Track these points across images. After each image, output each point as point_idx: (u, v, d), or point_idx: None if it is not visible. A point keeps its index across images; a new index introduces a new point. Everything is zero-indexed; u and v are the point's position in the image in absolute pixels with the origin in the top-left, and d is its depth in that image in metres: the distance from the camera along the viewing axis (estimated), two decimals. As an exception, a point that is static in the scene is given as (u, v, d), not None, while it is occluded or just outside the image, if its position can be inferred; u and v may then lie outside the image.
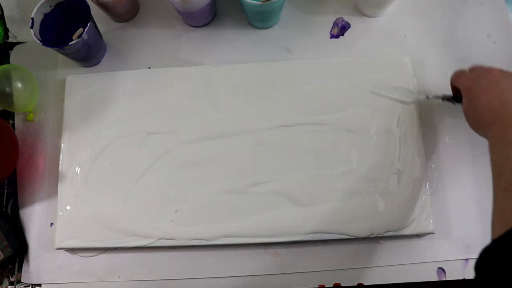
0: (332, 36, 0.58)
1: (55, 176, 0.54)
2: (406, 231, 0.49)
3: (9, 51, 0.61)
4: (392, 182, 0.50)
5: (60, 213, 0.52)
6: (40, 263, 0.53)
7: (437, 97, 0.52)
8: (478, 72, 0.45)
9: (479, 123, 0.44)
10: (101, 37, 0.57)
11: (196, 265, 0.52)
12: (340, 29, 0.58)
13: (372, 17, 0.58)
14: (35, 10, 0.52)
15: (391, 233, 0.49)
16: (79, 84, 0.56)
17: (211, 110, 0.54)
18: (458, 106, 0.50)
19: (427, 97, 0.52)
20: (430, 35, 0.57)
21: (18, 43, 0.61)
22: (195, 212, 0.51)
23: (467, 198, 0.52)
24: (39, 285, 0.53)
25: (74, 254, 0.53)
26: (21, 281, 0.53)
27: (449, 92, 0.52)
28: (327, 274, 0.51)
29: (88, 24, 0.51)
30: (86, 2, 0.52)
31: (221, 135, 0.53)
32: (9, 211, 0.56)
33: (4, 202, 0.56)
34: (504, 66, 0.55)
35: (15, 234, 0.53)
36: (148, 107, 0.55)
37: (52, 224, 0.54)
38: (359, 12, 0.59)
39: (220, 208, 0.51)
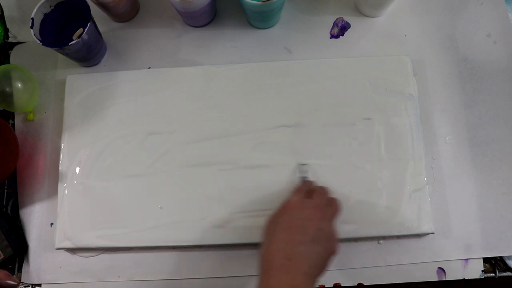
0: (332, 36, 0.58)
1: (55, 176, 0.54)
2: (406, 231, 0.49)
3: (9, 51, 0.61)
4: (392, 181, 0.50)
5: (60, 213, 0.52)
6: (40, 263, 0.53)
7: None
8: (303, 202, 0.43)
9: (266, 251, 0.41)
10: (101, 37, 0.57)
11: (196, 265, 0.52)
12: (340, 29, 0.58)
13: (372, 17, 0.58)
14: (35, 10, 0.52)
15: (391, 233, 0.49)
16: (79, 84, 0.56)
17: (211, 110, 0.54)
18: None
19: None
20: (430, 35, 0.57)
21: (18, 43, 0.61)
22: (194, 212, 0.51)
23: (467, 198, 0.52)
24: (39, 285, 0.53)
25: (74, 254, 0.53)
26: (21, 281, 0.53)
27: None
28: (327, 274, 0.51)
29: (88, 24, 0.51)
30: (86, 2, 0.52)
31: (221, 135, 0.53)
32: (9, 211, 0.56)
33: (4, 202, 0.56)
34: (504, 66, 0.56)
35: (15, 234, 0.53)
36: (148, 107, 0.55)
37: (52, 224, 0.54)
38: (359, 12, 0.59)
39: (220, 208, 0.51)
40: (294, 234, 0.40)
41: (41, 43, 0.51)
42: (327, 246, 0.41)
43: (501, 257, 0.51)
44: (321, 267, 0.40)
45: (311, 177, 0.50)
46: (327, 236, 0.41)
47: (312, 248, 0.40)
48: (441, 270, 0.51)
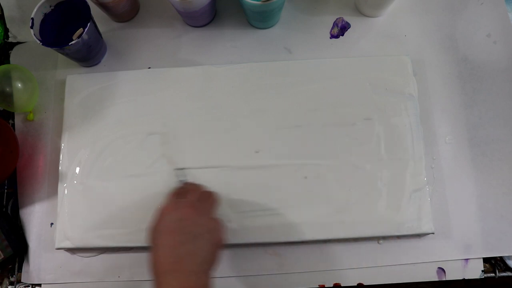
0: (332, 36, 0.58)
1: (55, 176, 0.54)
2: (406, 231, 0.49)
3: (9, 51, 0.61)
4: (392, 181, 0.50)
5: (60, 213, 0.52)
6: (40, 263, 0.53)
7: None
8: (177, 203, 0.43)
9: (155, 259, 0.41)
10: (101, 37, 0.57)
11: (196, 265, 0.52)
12: (340, 29, 0.58)
13: (372, 17, 0.58)
14: (35, 10, 0.52)
15: (391, 233, 0.49)
16: (79, 84, 0.56)
17: (211, 110, 0.54)
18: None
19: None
20: (430, 35, 0.57)
21: (18, 43, 0.61)
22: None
23: (467, 198, 0.52)
24: (39, 285, 0.53)
25: (74, 254, 0.53)
26: (21, 281, 0.53)
27: None
28: (327, 274, 0.51)
29: (88, 24, 0.51)
30: (86, 2, 0.52)
31: (221, 135, 0.53)
32: (9, 211, 0.56)
33: (4, 202, 0.56)
34: (504, 66, 0.56)
35: (15, 234, 0.53)
36: (148, 107, 0.55)
37: (52, 224, 0.54)
38: (359, 12, 0.59)
39: (221, 208, 0.51)
40: (174, 236, 0.40)
41: (41, 43, 0.51)
42: (211, 239, 0.41)
43: (501, 257, 0.51)
44: (211, 261, 0.41)
45: (189, 180, 0.50)
46: (208, 229, 0.41)
47: (196, 245, 0.40)
48: (441, 270, 0.51)
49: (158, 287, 0.38)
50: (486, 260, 0.51)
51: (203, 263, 0.40)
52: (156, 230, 0.41)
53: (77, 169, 0.53)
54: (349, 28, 0.58)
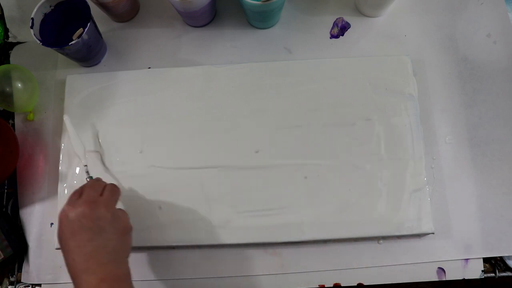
0: (332, 36, 0.58)
1: (55, 176, 0.54)
2: (406, 231, 0.49)
3: (9, 51, 0.61)
4: (392, 181, 0.50)
5: (60, 213, 0.52)
6: (40, 263, 0.53)
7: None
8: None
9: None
10: (101, 37, 0.57)
11: (196, 265, 0.52)
12: (340, 29, 0.58)
13: (372, 17, 0.58)
14: (35, 10, 0.52)
15: (391, 233, 0.49)
16: (79, 84, 0.56)
17: (211, 110, 0.54)
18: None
19: None
20: (430, 35, 0.57)
21: (18, 43, 0.61)
22: (194, 212, 0.51)
23: (467, 198, 0.52)
24: (39, 285, 0.53)
25: (74, 254, 0.53)
26: (21, 281, 0.53)
27: None
28: (327, 274, 0.51)
29: (88, 24, 0.51)
30: (86, 2, 0.52)
31: (221, 135, 0.53)
32: (9, 211, 0.56)
33: (4, 202, 0.56)
34: (504, 66, 0.56)
35: (15, 234, 0.53)
36: (148, 107, 0.55)
37: (52, 224, 0.54)
38: (359, 12, 0.59)
39: (220, 208, 0.51)
40: (78, 236, 0.40)
41: (41, 43, 0.51)
42: (115, 228, 0.42)
43: (501, 257, 0.51)
44: (123, 248, 0.42)
45: (94, 177, 0.50)
46: (109, 220, 0.42)
47: (102, 238, 0.40)
48: (441, 270, 0.51)
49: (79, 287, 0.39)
50: (486, 260, 0.51)
51: (114, 252, 0.41)
52: (61, 236, 0.42)
53: (77, 169, 0.53)
54: (349, 28, 0.58)
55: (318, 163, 0.51)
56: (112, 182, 0.48)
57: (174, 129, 0.54)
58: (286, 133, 0.53)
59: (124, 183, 0.52)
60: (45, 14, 0.53)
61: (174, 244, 0.51)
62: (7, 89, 0.54)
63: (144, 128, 0.54)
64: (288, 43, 0.58)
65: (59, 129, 0.56)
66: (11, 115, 0.59)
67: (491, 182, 0.53)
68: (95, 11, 0.55)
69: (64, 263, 0.53)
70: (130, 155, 0.53)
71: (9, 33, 0.62)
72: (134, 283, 0.52)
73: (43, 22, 0.53)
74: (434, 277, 0.51)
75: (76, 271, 0.39)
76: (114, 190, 0.45)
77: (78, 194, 0.44)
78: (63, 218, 0.42)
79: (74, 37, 0.53)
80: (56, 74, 0.59)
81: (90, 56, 0.56)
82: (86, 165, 0.50)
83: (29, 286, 0.54)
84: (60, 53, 0.53)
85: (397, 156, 0.51)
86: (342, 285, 0.51)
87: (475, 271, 0.51)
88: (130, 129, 0.54)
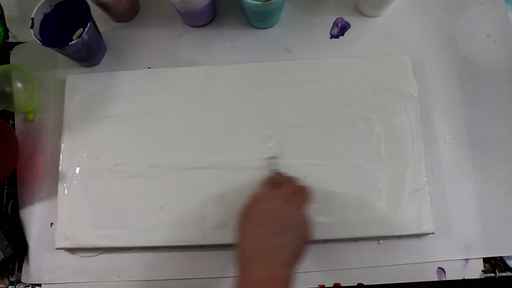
0: (332, 36, 0.58)
1: (55, 176, 0.54)
2: (406, 231, 0.49)
3: (9, 51, 0.61)
4: (392, 181, 0.50)
5: (60, 213, 0.52)
6: (40, 263, 0.53)
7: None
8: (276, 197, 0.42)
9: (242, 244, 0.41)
10: (101, 37, 0.57)
11: (196, 265, 0.52)
12: (340, 29, 0.58)
13: (372, 17, 0.58)
14: (35, 10, 0.52)
15: (391, 233, 0.49)
16: (79, 84, 0.56)
17: (211, 110, 0.54)
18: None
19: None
20: (430, 35, 0.57)
21: (18, 43, 0.61)
22: (194, 212, 0.51)
23: (467, 198, 0.52)
24: (39, 285, 0.53)
25: (74, 254, 0.53)
26: (21, 281, 0.53)
27: None
28: (327, 274, 0.51)
29: (88, 24, 0.51)
30: (86, 2, 0.52)
31: (221, 135, 0.53)
32: (9, 211, 0.56)
33: (4, 202, 0.56)
34: (504, 66, 0.56)
35: (15, 234, 0.53)
36: (148, 107, 0.55)
37: (52, 224, 0.54)
38: (359, 12, 0.59)
39: (221, 209, 0.51)
40: (265, 226, 0.40)
41: (41, 43, 0.51)
42: (300, 234, 0.41)
43: (501, 257, 0.51)
44: (297, 255, 0.41)
45: (282, 169, 0.50)
46: (298, 224, 0.41)
47: (285, 238, 0.40)
48: (441, 270, 0.51)
49: (244, 273, 0.38)
50: (486, 260, 0.51)
51: (289, 256, 0.40)
52: (246, 217, 0.41)
53: (77, 169, 0.53)
54: (349, 28, 0.58)
55: (318, 163, 0.51)
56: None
57: (174, 129, 0.54)
58: (286, 133, 0.53)
59: (124, 183, 0.52)
60: (45, 14, 0.53)
61: (174, 244, 0.51)
62: (7, 89, 0.54)
63: (144, 128, 0.54)
64: (288, 43, 0.58)
65: (59, 129, 0.56)
66: (11, 115, 0.59)
67: (491, 182, 0.53)
68: (95, 11, 0.55)
69: (64, 263, 0.53)
70: (130, 155, 0.53)
71: (9, 33, 0.62)
72: (134, 283, 0.53)
73: (43, 22, 0.53)
74: (434, 277, 0.51)
75: (247, 258, 0.39)
76: (309, 195, 0.44)
77: (276, 184, 0.43)
78: (258, 201, 0.41)
79: (74, 37, 0.53)
80: (56, 74, 0.59)
81: (90, 56, 0.56)
82: (276, 157, 0.50)
83: (29, 286, 0.54)
84: (60, 53, 0.53)
85: (397, 156, 0.51)
86: (342, 285, 0.51)
87: (475, 271, 0.51)
88: (130, 129, 0.54)
